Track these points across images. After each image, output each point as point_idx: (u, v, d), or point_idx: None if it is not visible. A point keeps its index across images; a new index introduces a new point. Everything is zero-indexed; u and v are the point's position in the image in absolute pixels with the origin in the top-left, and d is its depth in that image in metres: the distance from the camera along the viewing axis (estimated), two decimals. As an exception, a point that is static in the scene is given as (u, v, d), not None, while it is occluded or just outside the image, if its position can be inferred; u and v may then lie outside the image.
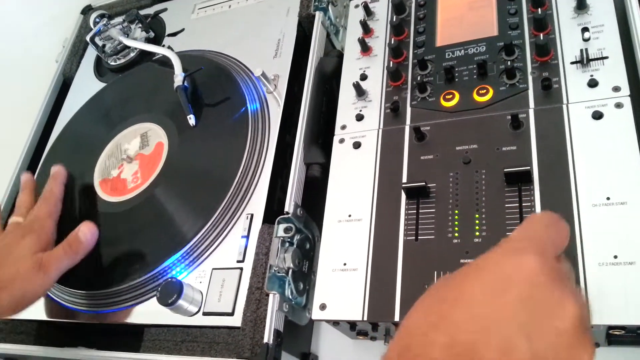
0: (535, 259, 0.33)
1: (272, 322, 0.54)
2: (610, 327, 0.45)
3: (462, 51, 0.61)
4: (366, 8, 0.70)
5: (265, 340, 0.53)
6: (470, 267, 0.35)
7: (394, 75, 0.62)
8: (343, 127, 0.63)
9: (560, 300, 0.32)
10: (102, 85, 0.89)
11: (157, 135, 0.74)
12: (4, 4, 1.05)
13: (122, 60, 0.88)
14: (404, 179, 0.56)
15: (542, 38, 0.56)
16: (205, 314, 0.58)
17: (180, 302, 0.56)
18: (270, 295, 0.55)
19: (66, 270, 0.62)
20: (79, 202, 0.73)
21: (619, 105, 0.51)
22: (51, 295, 0.68)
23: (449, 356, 0.30)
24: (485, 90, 0.57)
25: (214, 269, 0.60)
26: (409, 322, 0.34)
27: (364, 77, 0.66)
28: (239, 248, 0.60)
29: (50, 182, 0.71)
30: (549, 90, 0.54)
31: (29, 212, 0.68)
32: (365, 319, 0.51)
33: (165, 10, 0.94)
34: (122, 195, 0.70)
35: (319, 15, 0.75)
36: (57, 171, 0.73)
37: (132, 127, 0.77)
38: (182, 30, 0.89)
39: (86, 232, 0.63)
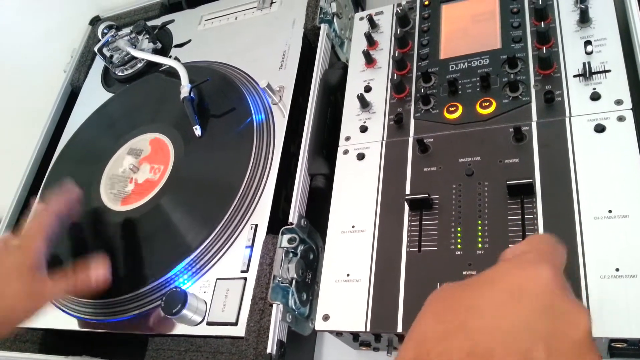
0: (550, 270, 0.34)
1: (275, 332, 0.54)
2: (612, 340, 0.45)
3: (466, 64, 0.62)
4: (371, 21, 0.70)
5: (269, 350, 0.54)
6: (483, 277, 0.36)
7: (398, 87, 0.63)
8: (347, 139, 0.63)
9: (574, 311, 0.33)
10: (109, 95, 0.90)
11: (145, 138, 0.75)
12: (13, 14, 1.06)
13: (130, 71, 0.89)
14: (407, 191, 0.56)
15: (545, 51, 0.57)
16: (209, 323, 0.58)
17: (185, 311, 0.57)
18: (274, 306, 0.55)
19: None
20: (85, 212, 0.74)
21: (621, 119, 0.51)
22: (56, 303, 0.69)
23: None
24: (488, 103, 0.58)
25: (218, 278, 0.60)
26: (421, 327, 0.35)
27: (368, 89, 0.66)
28: (243, 258, 0.60)
29: (51, 198, 0.66)
30: (552, 103, 0.55)
31: None
32: (368, 329, 0.51)
33: (172, 21, 0.95)
34: (155, 189, 0.70)
35: (324, 28, 0.75)
36: (65, 188, 0.67)
37: (116, 153, 0.78)
38: (189, 41, 0.90)
39: (99, 278, 0.60)
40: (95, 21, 1.05)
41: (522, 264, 0.36)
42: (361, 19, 0.73)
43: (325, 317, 0.53)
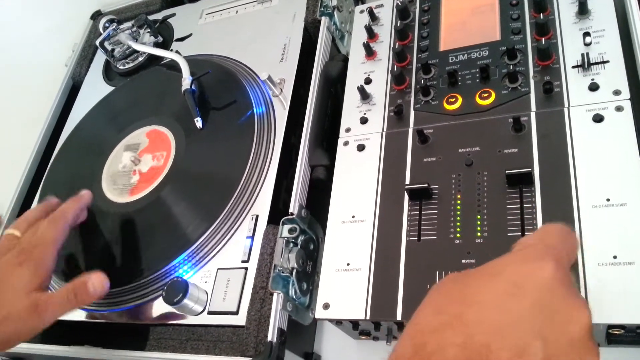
0: (552, 266, 0.34)
1: (275, 321, 0.55)
2: (610, 327, 0.46)
3: (465, 55, 0.62)
4: (371, 13, 0.71)
5: (269, 338, 0.54)
6: (485, 269, 0.36)
7: (398, 79, 0.63)
8: (347, 130, 0.64)
9: (574, 308, 0.33)
10: (110, 88, 0.90)
11: (141, 132, 0.77)
12: (15, 9, 1.07)
13: (131, 65, 0.90)
14: (407, 181, 0.57)
15: (544, 42, 0.57)
16: (210, 312, 0.58)
17: (186, 301, 0.57)
18: (274, 295, 0.56)
19: (63, 315, 0.56)
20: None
21: (619, 109, 0.51)
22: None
23: (464, 356, 0.31)
24: (487, 94, 0.58)
25: (219, 268, 0.61)
26: (420, 319, 0.35)
27: (368, 80, 0.66)
28: (244, 248, 0.61)
29: (68, 202, 0.63)
30: (551, 93, 0.55)
31: (29, 227, 0.61)
32: (367, 318, 0.51)
33: (173, 15, 0.95)
34: (161, 175, 0.70)
35: (324, 21, 0.76)
36: (83, 195, 0.66)
37: (113, 151, 0.78)
38: (190, 35, 0.90)
39: (96, 285, 0.56)
40: (96, 15, 1.05)
41: (525, 259, 0.35)
42: (361, 11, 0.73)
43: (326, 306, 0.53)
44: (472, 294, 0.34)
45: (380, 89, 0.65)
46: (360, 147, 0.62)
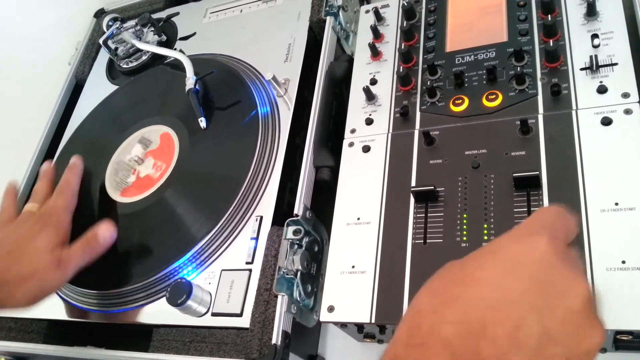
0: (546, 241, 0.34)
1: (280, 323, 0.54)
2: (618, 332, 0.45)
3: (472, 57, 0.62)
4: (377, 13, 0.70)
5: (274, 341, 0.54)
6: (481, 251, 0.36)
7: (404, 80, 0.63)
8: (353, 131, 0.63)
9: (570, 281, 0.33)
10: (114, 87, 0.90)
11: (157, 130, 0.76)
12: (18, 6, 1.07)
13: (134, 63, 0.89)
14: (413, 183, 0.56)
15: (551, 44, 0.57)
16: (213, 314, 0.58)
17: (190, 302, 0.57)
18: (279, 297, 0.55)
19: (82, 266, 0.62)
20: (91, 204, 0.74)
21: (628, 112, 0.51)
22: (61, 294, 0.69)
23: (459, 333, 0.31)
24: (494, 96, 0.58)
25: (223, 270, 0.61)
26: (417, 302, 0.35)
27: (373, 81, 0.66)
28: (248, 250, 0.60)
29: (67, 173, 0.71)
30: (558, 96, 0.55)
31: (44, 201, 0.68)
32: (373, 321, 0.51)
33: (177, 14, 0.95)
34: (152, 187, 0.71)
35: (329, 20, 0.75)
36: (75, 163, 0.73)
37: (127, 139, 0.79)
38: (194, 34, 0.89)
39: (105, 232, 0.64)
40: (100, 14, 1.05)
41: (520, 236, 0.36)
42: (367, 11, 0.73)
43: (330, 309, 0.53)
44: (469, 274, 0.34)
45: (385, 89, 0.65)
46: (366, 149, 0.61)
